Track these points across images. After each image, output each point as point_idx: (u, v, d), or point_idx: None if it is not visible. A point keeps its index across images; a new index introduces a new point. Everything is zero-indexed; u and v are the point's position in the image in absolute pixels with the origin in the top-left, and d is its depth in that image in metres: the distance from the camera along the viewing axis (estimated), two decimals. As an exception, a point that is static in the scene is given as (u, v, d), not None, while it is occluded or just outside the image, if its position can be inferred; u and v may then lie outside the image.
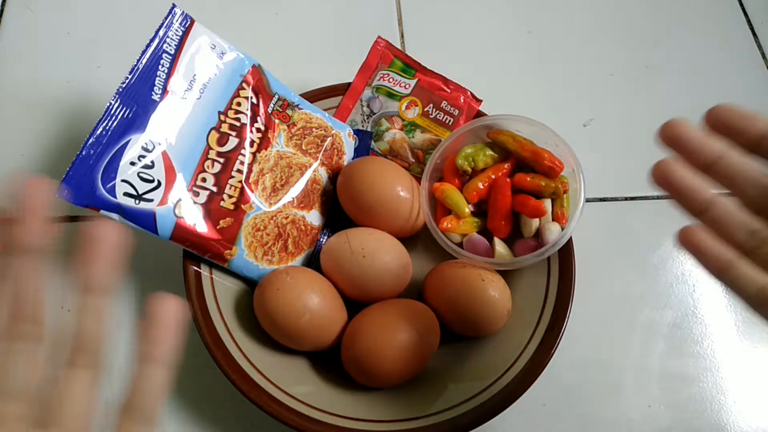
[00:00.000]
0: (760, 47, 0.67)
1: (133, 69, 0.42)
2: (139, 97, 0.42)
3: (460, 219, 0.46)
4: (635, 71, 0.64)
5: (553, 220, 0.46)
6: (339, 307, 0.44)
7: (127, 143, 0.41)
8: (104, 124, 0.40)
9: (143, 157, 0.41)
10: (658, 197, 0.57)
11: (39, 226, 0.23)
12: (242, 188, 0.44)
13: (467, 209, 0.46)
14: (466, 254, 0.44)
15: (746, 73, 0.65)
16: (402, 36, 0.62)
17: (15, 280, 0.23)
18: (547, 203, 0.46)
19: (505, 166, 0.47)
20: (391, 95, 0.53)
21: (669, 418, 0.47)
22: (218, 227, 0.43)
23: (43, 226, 0.23)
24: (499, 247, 0.46)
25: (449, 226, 0.46)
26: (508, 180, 0.46)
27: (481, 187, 0.46)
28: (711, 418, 0.48)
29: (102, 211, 0.40)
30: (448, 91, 0.53)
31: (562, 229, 0.45)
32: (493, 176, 0.46)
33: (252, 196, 0.45)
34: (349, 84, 0.53)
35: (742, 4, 0.69)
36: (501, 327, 0.44)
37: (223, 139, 0.44)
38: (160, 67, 0.43)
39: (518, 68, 0.63)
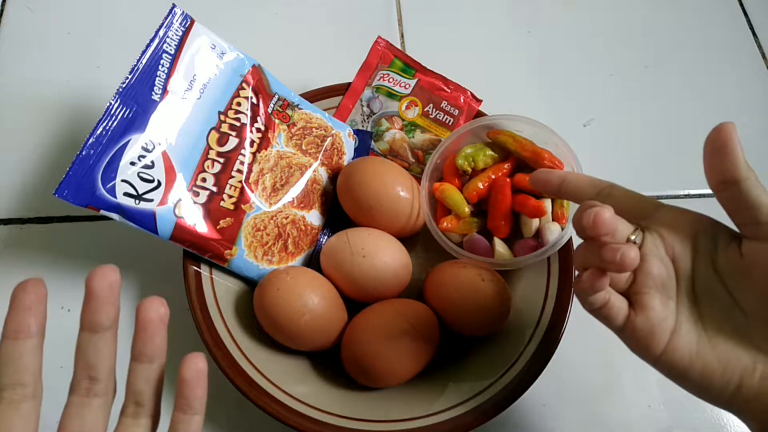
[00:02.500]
0: (760, 47, 0.67)
1: (133, 69, 0.42)
2: (139, 97, 0.42)
3: (460, 219, 0.46)
4: (635, 71, 0.64)
5: (553, 220, 0.45)
6: (339, 307, 0.44)
7: (127, 143, 0.41)
8: (104, 124, 0.40)
9: (143, 157, 0.41)
10: (657, 197, 0.57)
11: (112, 310, 0.28)
12: (242, 188, 0.44)
13: (467, 209, 0.45)
14: (465, 254, 0.44)
15: (746, 74, 0.65)
16: (402, 36, 0.62)
17: (94, 351, 0.28)
18: (547, 203, 0.45)
19: (505, 166, 0.47)
20: (391, 95, 0.53)
21: (669, 417, 0.47)
22: (218, 227, 0.43)
23: (115, 309, 0.28)
24: (499, 247, 0.45)
25: (449, 226, 0.46)
26: (508, 180, 0.45)
27: (481, 187, 0.46)
28: (710, 418, 0.48)
29: (102, 211, 0.40)
30: (448, 91, 0.53)
31: (562, 229, 0.45)
32: (493, 176, 0.46)
33: (252, 196, 0.45)
34: (349, 84, 0.53)
35: (742, 5, 0.69)
36: (501, 327, 0.44)
37: (223, 139, 0.44)
38: (160, 67, 0.43)
39: (518, 68, 0.63)
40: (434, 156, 0.47)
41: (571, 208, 0.46)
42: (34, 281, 0.26)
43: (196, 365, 0.28)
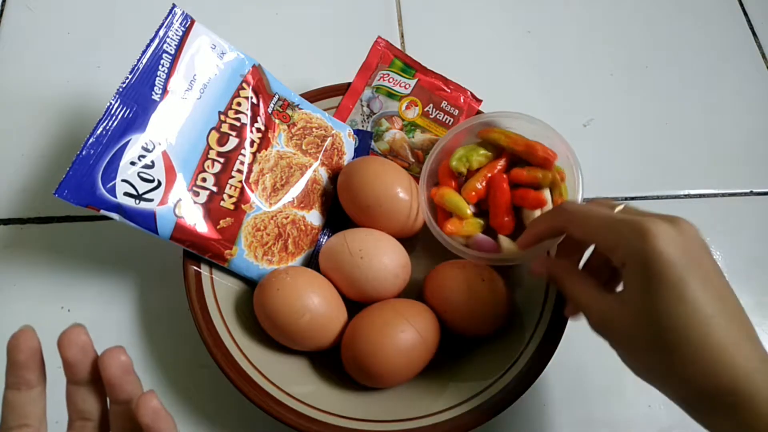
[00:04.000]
0: (760, 47, 0.67)
1: (133, 69, 0.42)
2: (139, 97, 0.42)
3: (462, 221, 0.46)
4: (635, 71, 0.64)
5: None
6: (339, 307, 0.44)
7: (127, 143, 0.41)
8: (104, 124, 0.40)
9: (143, 156, 0.41)
10: (657, 197, 0.57)
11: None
12: (242, 188, 0.44)
13: (468, 210, 0.45)
14: (474, 253, 0.44)
15: (746, 74, 0.65)
16: (402, 36, 0.62)
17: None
18: (546, 193, 0.45)
19: (500, 163, 0.46)
20: (391, 95, 0.53)
21: (669, 418, 0.47)
22: (218, 227, 0.43)
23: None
24: (505, 243, 0.45)
25: (453, 229, 0.45)
26: (504, 176, 0.46)
27: (479, 186, 0.46)
28: (711, 418, 0.48)
29: (102, 211, 0.40)
30: (448, 91, 0.53)
31: None
32: (489, 174, 0.46)
33: (252, 196, 0.45)
34: (349, 84, 0.53)
35: (742, 5, 0.69)
36: (501, 327, 0.44)
37: (223, 139, 0.44)
38: (160, 67, 0.43)
39: (518, 68, 0.63)
40: (429, 160, 0.47)
41: (570, 196, 0.45)
42: (24, 334, 0.27)
43: (148, 401, 0.27)
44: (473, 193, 0.46)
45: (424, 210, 0.45)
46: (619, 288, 0.34)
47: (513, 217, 0.46)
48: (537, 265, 0.40)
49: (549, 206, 0.45)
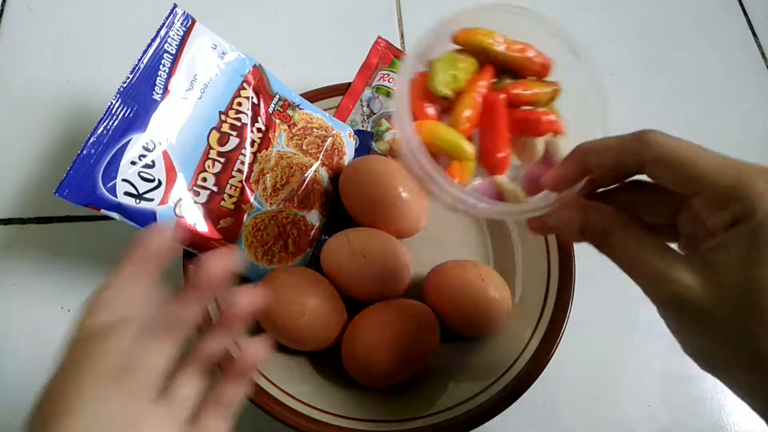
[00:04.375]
0: (760, 47, 0.67)
1: (134, 69, 0.42)
2: (140, 97, 0.42)
3: (464, 165, 0.33)
4: (635, 71, 0.64)
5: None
6: (339, 307, 0.44)
7: (127, 143, 0.41)
8: (105, 124, 0.40)
9: (144, 156, 0.41)
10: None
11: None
12: (243, 188, 0.44)
13: (470, 148, 0.32)
14: (499, 208, 0.31)
15: (746, 74, 0.65)
16: (402, 36, 0.62)
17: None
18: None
19: (486, 77, 0.34)
20: (391, 95, 0.53)
21: (669, 417, 0.47)
22: (218, 227, 0.43)
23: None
24: (509, 187, 0.33)
25: (461, 177, 0.33)
26: (501, 96, 0.33)
27: (470, 113, 0.33)
28: (711, 418, 0.48)
29: (102, 210, 0.40)
30: (449, 91, 0.53)
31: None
32: (479, 95, 0.33)
33: (252, 196, 0.45)
34: (349, 84, 0.53)
35: (742, 5, 0.69)
36: (501, 327, 0.44)
37: (223, 139, 0.44)
38: (161, 66, 0.43)
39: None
40: (401, 84, 0.32)
41: (596, 109, 0.34)
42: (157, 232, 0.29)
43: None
44: (468, 125, 0.33)
45: (414, 155, 0.30)
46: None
47: (510, 151, 0.34)
48: (563, 215, 0.29)
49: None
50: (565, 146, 0.33)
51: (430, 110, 0.33)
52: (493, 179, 0.33)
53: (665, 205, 0.30)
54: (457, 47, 0.34)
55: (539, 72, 0.34)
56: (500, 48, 0.34)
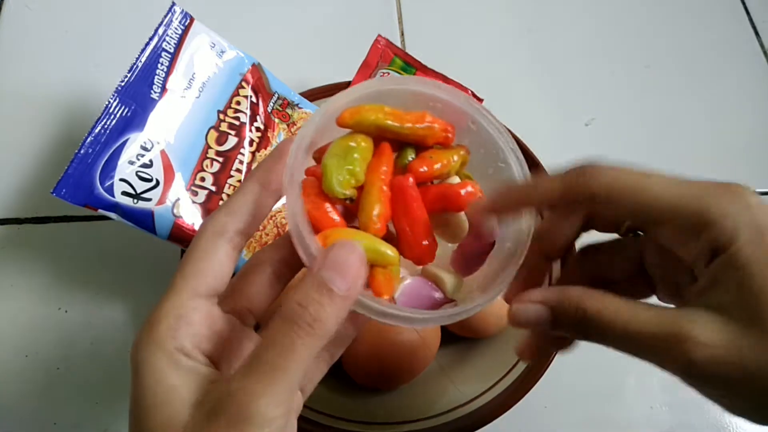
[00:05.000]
0: (762, 46, 0.66)
1: (132, 67, 0.42)
2: (137, 96, 0.41)
3: (389, 269, 0.28)
4: (636, 70, 0.64)
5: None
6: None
7: (125, 142, 0.40)
8: (103, 123, 0.40)
9: (142, 156, 0.41)
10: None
11: None
12: (241, 188, 0.44)
13: (391, 251, 0.27)
14: (420, 316, 0.26)
15: (748, 73, 0.65)
16: (402, 34, 0.62)
17: None
18: (455, 180, 0.31)
19: (385, 159, 0.29)
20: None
21: (671, 419, 0.47)
22: (217, 227, 0.43)
23: None
24: (448, 280, 0.30)
25: (388, 287, 0.27)
26: (410, 180, 0.28)
27: (381, 209, 0.28)
28: (713, 419, 0.47)
29: (100, 210, 0.40)
30: (449, 90, 0.53)
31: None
32: (385, 186, 0.28)
33: (251, 196, 0.44)
34: (349, 83, 0.53)
35: (744, 3, 0.69)
36: (502, 329, 0.44)
37: (222, 138, 0.44)
38: (159, 65, 0.43)
39: (519, 67, 0.62)
40: (289, 187, 0.27)
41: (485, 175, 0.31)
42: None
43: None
44: (378, 224, 0.27)
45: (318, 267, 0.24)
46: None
47: (433, 236, 0.29)
48: (529, 310, 0.25)
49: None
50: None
51: (334, 215, 0.28)
52: (427, 272, 0.30)
53: (626, 254, 0.28)
54: (346, 131, 0.29)
55: (444, 139, 0.30)
56: (393, 121, 0.29)
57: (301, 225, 0.25)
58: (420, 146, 0.30)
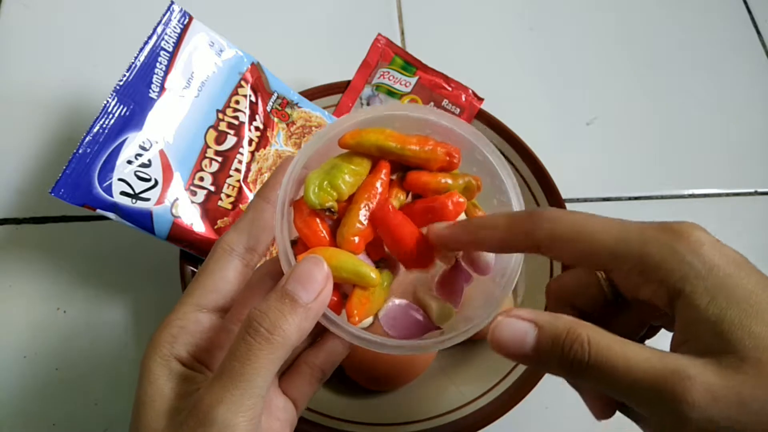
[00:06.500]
0: (763, 45, 0.66)
1: (130, 66, 0.41)
2: (136, 95, 0.41)
3: (368, 291, 0.28)
4: (638, 69, 0.63)
5: None
6: (339, 308, 0.43)
7: (124, 141, 0.40)
8: (101, 122, 0.40)
9: (140, 155, 0.41)
10: (662, 197, 0.56)
11: None
12: (240, 187, 0.44)
13: (373, 273, 0.27)
14: (397, 346, 0.27)
15: (750, 72, 0.65)
16: (402, 33, 0.62)
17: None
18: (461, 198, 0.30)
19: (380, 176, 0.29)
20: (392, 93, 0.52)
21: (673, 420, 0.47)
22: (216, 227, 0.42)
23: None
24: (435, 307, 0.29)
25: (362, 309, 0.27)
26: (390, 204, 0.28)
27: (363, 223, 0.28)
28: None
29: (98, 210, 0.39)
30: (450, 89, 0.53)
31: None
32: (369, 202, 0.28)
33: (250, 196, 0.44)
34: (349, 82, 0.53)
35: (746, 3, 0.68)
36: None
37: (221, 138, 0.44)
38: (157, 64, 0.42)
39: (520, 66, 0.62)
40: (280, 204, 0.27)
41: (494, 208, 0.31)
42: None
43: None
44: (354, 239, 0.28)
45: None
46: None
47: (431, 257, 0.29)
48: (515, 327, 0.24)
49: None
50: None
51: (323, 234, 0.28)
52: (416, 298, 0.30)
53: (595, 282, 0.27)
54: (344, 152, 0.30)
55: (447, 163, 0.30)
56: (394, 143, 0.29)
57: (285, 244, 0.27)
58: (423, 169, 0.30)
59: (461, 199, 0.29)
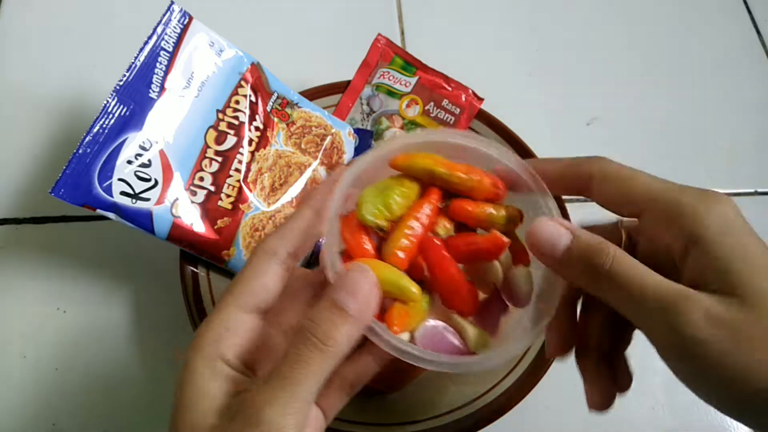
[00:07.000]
0: (763, 45, 0.66)
1: (130, 66, 0.41)
2: (136, 95, 0.41)
3: (409, 306, 0.29)
4: (639, 69, 0.63)
5: (514, 263, 0.32)
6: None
7: (124, 141, 0.40)
8: (101, 122, 0.40)
9: (140, 155, 0.41)
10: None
11: None
12: (240, 188, 0.44)
13: (414, 288, 0.28)
14: (434, 360, 0.27)
15: (750, 72, 0.65)
16: (402, 33, 0.62)
17: None
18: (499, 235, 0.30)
19: (431, 199, 0.30)
20: (391, 93, 0.52)
21: (672, 420, 0.47)
22: (216, 227, 0.42)
23: None
24: (471, 332, 0.30)
25: (402, 322, 0.28)
26: (436, 241, 0.30)
27: (408, 242, 0.29)
28: (714, 421, 0.47)
29: (98, 210, 0.39)
30: (450, 89, 0.53)
31: (529, 272, 0.31)
32: (416, 224, 0.29)
33: (250, 196, 0.44)
34: (349, 82, 0.53)
35: (746, 3, 0.68)
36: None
37: (221, 138, 0.44)
38: (157, 64, 0.42)
39: (521, 66, 0.62)
40: (330, 216, 0.29)
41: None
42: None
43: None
44: (400, 253, 0.29)
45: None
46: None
47: (473, 292, 0.30)
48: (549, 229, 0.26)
49: (507, 257, 0.32)
50: (523, 276, 0.31)
51: (368, 246, 0.30)
52: (454, 321, 0.30)
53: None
54: (393, 173, 0.31)
55: (493, 194, 0.31)
56: (443, 169, 0.30)
57: (333, 254, 0.28)
58: (468, 197, 0.31)
59: (502, 240, 0.29)
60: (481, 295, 0.31)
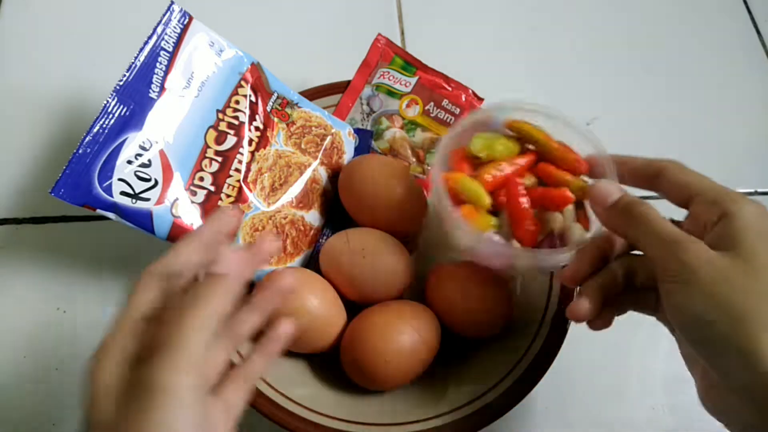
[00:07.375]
0: (763, 45, 0.66)
1: (130, 66, 0.41)
2: (136, 95, 0.41)
3: (478, 211, 0.38)
4: (638, 69, 0.63)
5: (576, 221, 0.39)
6: (338, 308, 0.43)
7: (124, 141, 0.40)
8: (101, 122, 0.40)
9: (140, 155, 0.41)
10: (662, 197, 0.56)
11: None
12: (240, 188, 0.44)
13: (488, 199, 0.37)
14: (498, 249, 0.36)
15: (750, 73, 0.65)
16: (402, 33, 0.62)
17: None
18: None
19: (522, 161, 0.39)
20: (391, 93, 0.52)
21: (673, 421, 0.47)
22: (216, 227, 0.42)
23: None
24: (576, 230, 0.38)
25: (469, 213, 0.37)
26: (518, 181, 0.38)
27: (497, 173, 0.38)
28: (715, 421, 0.47)
29: (98, 210, 0.39)
30: (450, 89, 0.53)
31: (583, 230, 0.38)
32: (507, 169, 0.38)
33: (250, 196, 0.44)
34: (349, 82, 0.53)
35: (746, 3, 0.69)
36: (503, 328, 0.44)
37: (221, 138, 0.44)
38: (157, 64, 0.42)
39: (521, 66, 0.62)
40: (444, 143, 0.40)
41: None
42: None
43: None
44: (489, 178, 0.38)
45: (437, 194, 0.38)
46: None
47: (538, 226, 0.38)
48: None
49: (571, 214, 0.38)
50: (578, 232, 0.38)
51: (466, 169, 0.39)
52: (514, 240, 0.37)
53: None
54: (507, 132, 0.40)
55: (574, 167, 0.38)
56: (543, 137, 0.39)
57: (443, 192, 0.37)
58: (553, 164, 0.39)
59: (568, 195, 0.37)
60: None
